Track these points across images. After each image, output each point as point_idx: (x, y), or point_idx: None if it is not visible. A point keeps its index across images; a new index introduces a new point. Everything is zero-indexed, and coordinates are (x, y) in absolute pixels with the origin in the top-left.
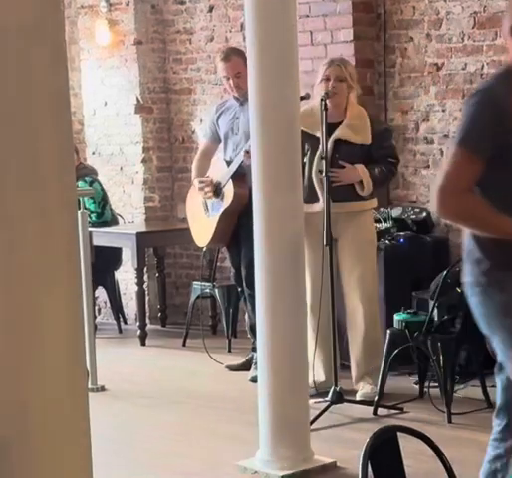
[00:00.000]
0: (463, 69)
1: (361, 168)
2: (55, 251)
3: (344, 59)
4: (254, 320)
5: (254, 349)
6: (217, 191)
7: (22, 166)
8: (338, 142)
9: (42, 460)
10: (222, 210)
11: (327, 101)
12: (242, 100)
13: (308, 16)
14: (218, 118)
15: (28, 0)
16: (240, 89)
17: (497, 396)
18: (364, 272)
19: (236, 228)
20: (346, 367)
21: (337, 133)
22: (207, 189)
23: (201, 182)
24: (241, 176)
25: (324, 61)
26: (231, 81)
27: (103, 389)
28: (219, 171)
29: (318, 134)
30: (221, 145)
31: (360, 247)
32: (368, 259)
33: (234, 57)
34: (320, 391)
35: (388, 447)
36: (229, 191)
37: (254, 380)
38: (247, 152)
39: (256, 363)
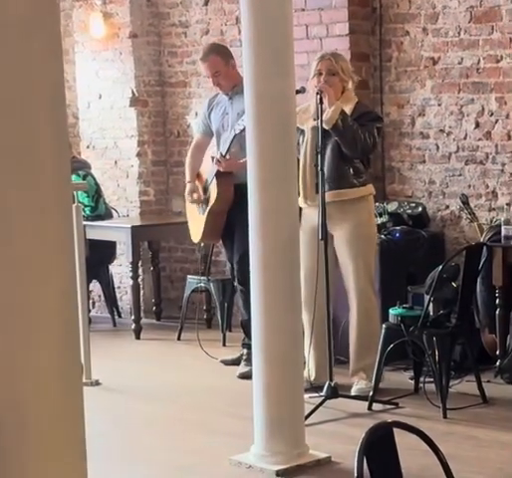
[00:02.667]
0: (459, 63)
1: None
2: (50, 244)
3: (336, 52)
4: (245, 316)
5: (244, 345)
6: (206, 189)
7: (18, 159)
8: (327, 134)
9: (37, 452)
10: (208, 209)
11: (322, 95)
12: (231, 95)
13: (304, 10)
14: (210, 112)
15: None
16: (221, 86)
17: None
18: (358, 267)
19: (230, 224)
20: (340, 362)
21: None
22: (195, 195)
23: (190, 192)
24: (225, 174)
25: (316, 55)
26: (211, 80)
27: (97, 383)
28: (208, 167)
29: (303, 126)
30: (214, 140)
31: (355, 242)
32: (363, 254)
33: (211, 56)
34: (314, 386)
35: (384, 442)
36: (213, 190)
37: (242, 376)
38: (219, 161)
39: (246, 360)
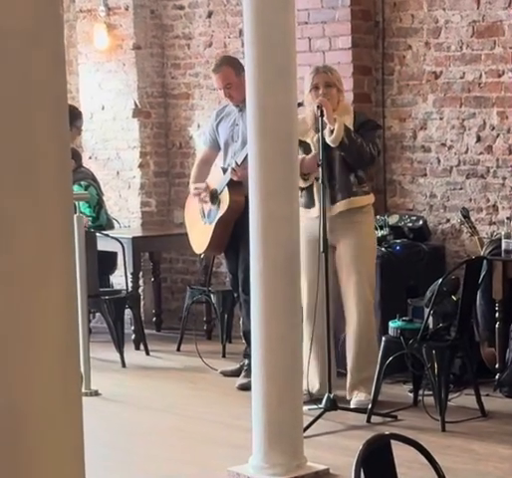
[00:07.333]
0: (461, 77)
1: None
2: (50, 254)
3: (328, 66)
4: (248, 326)
5: (246, 355)
6: (213, 198)
7: (19, 169)
8: (329, 147)
9: (34, 465)
10: (218, 217)
11: (323, 108)
12: (241, 106)
13: (307, 23)
14: (218, 124)
15: (27, 4)
16: (232, 98)
17: None
18: (362, 279)
19: (234, 234)
20: (341, 375)
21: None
22: (203, 194)
23: (196, 188)
24: (237, 183)
25: (309, 70)
26: (222, 92)
27: (96, 394)
28: (217, 178)
29: (306, 139)
30: (221, 152)
31: (359, 254)
32: (366, 267)
33: (224, 67)
34: (314, 398)
35: (382, 454)
36: (225, 199)
37: (242, 388)
38: (234, 169)
39: (246, 370)
